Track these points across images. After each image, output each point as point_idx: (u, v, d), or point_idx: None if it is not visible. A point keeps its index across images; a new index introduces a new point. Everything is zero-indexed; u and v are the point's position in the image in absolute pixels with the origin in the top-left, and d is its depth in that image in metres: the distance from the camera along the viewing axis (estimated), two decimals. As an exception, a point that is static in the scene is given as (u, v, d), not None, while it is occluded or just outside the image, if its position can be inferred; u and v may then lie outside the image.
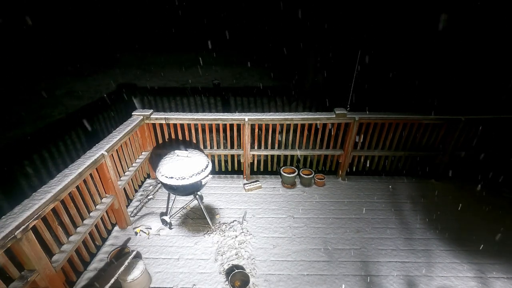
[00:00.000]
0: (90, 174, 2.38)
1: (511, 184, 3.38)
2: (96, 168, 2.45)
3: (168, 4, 14.85)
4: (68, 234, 2.18)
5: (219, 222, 2.99)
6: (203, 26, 15.03)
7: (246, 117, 3.33)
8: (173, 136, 3.59)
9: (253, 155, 3.67)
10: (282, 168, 3.59)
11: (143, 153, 3.48)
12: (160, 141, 3.62)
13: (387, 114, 3.35)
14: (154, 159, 3.60)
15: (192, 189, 2.62)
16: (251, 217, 3.07)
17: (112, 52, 14.39)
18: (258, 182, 3.61)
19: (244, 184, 3.61)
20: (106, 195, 2.65)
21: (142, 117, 3.30)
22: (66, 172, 2.11)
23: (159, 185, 3.59)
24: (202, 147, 3.67)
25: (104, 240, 2.73)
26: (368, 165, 3.76)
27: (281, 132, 3.55)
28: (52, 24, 12.86)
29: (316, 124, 3.49)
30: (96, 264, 2.49)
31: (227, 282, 2.28)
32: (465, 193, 3.42)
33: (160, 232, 2.85)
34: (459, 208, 3.16)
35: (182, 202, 3.25)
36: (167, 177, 2.47)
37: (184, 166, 2.50)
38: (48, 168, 5.15)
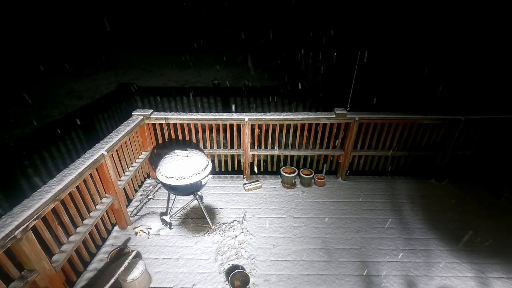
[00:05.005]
0: (90, 174, 2.38)
1: (511, 184, 3.37)
2: (96, 168, 2.45)
3: (169, 4, 14.85)
4: (68, 234, 2.18)
5: (219, 222, 2.99)
6: (204, 26, 15.03)
7: (246, 117, 3.33)
8: (173, 136, 3.59)
9: (253, 155, 3.67)
10: (282, 168, 3.59)
11: (143, 153, 3.48)
12: (160, 141, 3.62)
13: (387, 114, 3.35)
14: (154, 159, 3.60)
15: (192, 189, 2.61)
16: (251, 217, 3.07)
17: (112, 52, 14.39)
18: (258, 182, 3.61)
19: (244, 184, 3.61)
20: (106, 195, 2.65)
21: (142, 117, 3.30)
22: (66, 172, 2.11)
23: (159, 185, 3.59)
24: (202, 147, 3.67)
25: (104, 240, 2.73)
26: (368, 165, 3.76)
27: (281, 132, 3.55)
28: (53, 24, 12.86)
29: (316, 124, 3.49)
30: (96, 264, 2.49)
31: (227, 282, 2.28)
32: (465, 193, 3.42)
33: (160, 232, 2.85)
34: (459, 208, 3.16)
35: (182, 202, 3.25)
36: (167, 177, 2.47)
37: (184, 166, 2.50)
38: (48, 168, 5.16)
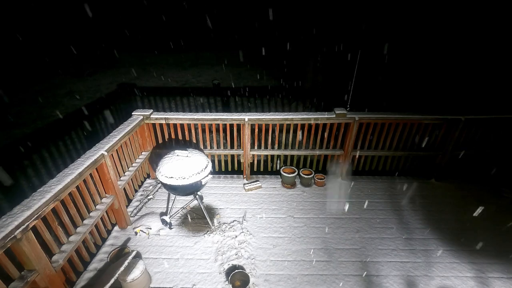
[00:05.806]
0: (90, 174, 2.38)
1: (511, 184, 3.37)
2: (96, 168, 2.45)
3: (169, 4, 14.86)
4: (68, 234, 2.18)
5: (219, 222, 2.99)
6: (203, 26, 15.03)
7: (246, 117, 3.33)
8: (173, 136, 3.59)
9: (253, 155, 3.67)
10: (282, 168, 3.59)
11: (143, 153, 3.48)
12: (160, 141, 3.62)
13: (387, 114, 3.35)
14: (154, 159, 3.60)
15: (192, 189, 2.61)
16: (251, 217, 3.07)
17: (112, 52, 14.39)
18: (258, 182, 3.61)
19: (244, 184, 3.61)
20: (106, 195, 2.65)
21: (142, 117, 3.30)
22: (66, 172, 2.11)
23: (159, 185, 3.59)
24: (202, 147, 3.67)
25: (104, 240, 2.73)
26: (368, 165, 3.76)
27: (281, 132, 3.55)
28: (53, 25, 12.85)
29: (316, 124, 3.49)
30: (96, 264, 2.49)
31: (227, 282, 2.28)
32: (465, 193, 3.42)
33: (160, 232, 2.85)
34: (459, 208, 3.16)
35: (182, 202, 3.25)
36: (167, 177, 2.47)
37: (184, 166, 2.50)
38: (48, 168, 5.16)
